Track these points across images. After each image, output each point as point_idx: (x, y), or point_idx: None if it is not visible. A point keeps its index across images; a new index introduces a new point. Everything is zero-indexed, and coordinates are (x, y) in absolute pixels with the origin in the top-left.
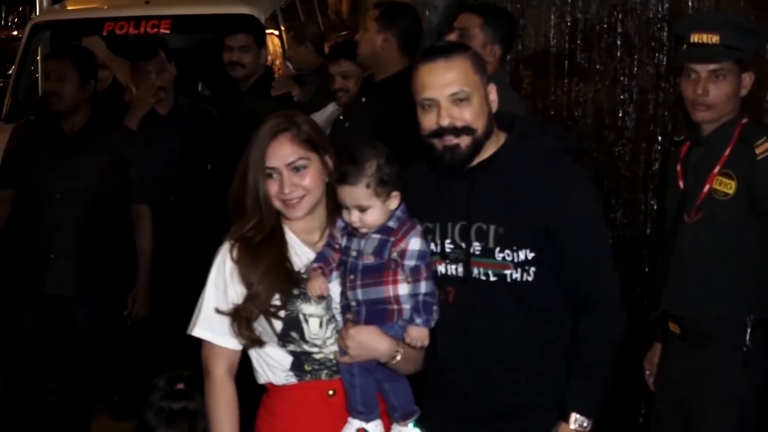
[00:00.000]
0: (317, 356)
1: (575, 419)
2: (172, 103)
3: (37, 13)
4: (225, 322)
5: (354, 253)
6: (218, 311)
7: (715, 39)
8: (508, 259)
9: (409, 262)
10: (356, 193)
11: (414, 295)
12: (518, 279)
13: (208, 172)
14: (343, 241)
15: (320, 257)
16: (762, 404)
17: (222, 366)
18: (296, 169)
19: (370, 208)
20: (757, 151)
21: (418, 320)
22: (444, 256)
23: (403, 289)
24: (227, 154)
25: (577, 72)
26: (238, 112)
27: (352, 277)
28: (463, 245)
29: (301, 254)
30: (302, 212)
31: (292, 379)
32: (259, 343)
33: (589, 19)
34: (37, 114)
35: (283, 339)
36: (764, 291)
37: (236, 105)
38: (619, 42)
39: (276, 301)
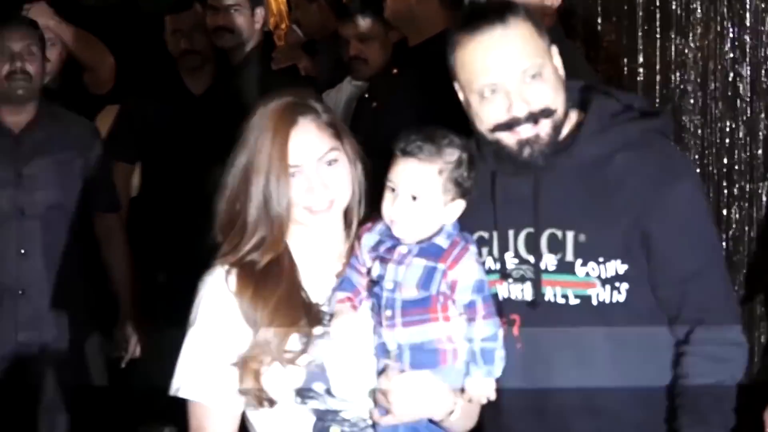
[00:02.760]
0: (347, 415)
1: None
2: (211, 81)
3: None
4: (224, 376)
5: (390, 285)
6: (215, 362)
7: None
8: (594, 274)
9: (462, 297)
10: (422, 174)
11: (470, 340)
12: (606, 300)
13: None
14: (374, 268)
15: (346, 284)
16: None
17: None
18: (326, 165)
19: (426, 203)
20: None
21: (476, 372)
22: (505, 275)
23: (458, 326)
24: (213, 148)
25: (673, 23)
26: (228, 93)
27: (389, 313)
28: (531, 259)
29: (316, 280)
30: (332, 220)
31: None
32: (270, 401)
33: None
34: None
35: (303, 394)
36: None
37: (226, 83)
38: None
39: (294, 344)
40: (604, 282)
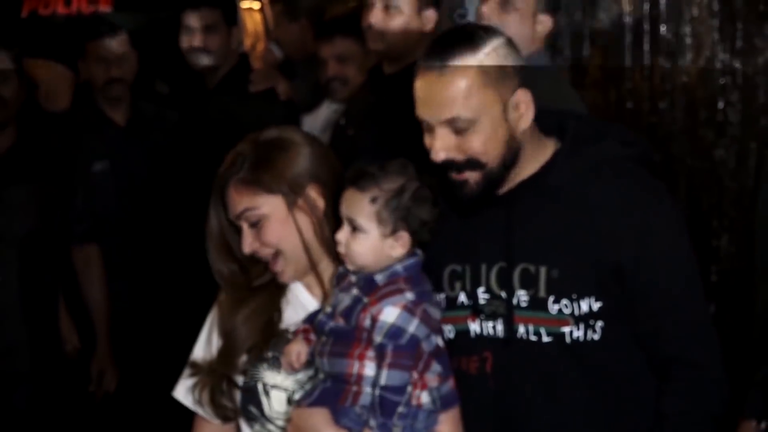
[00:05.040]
0: None
1: None
2: (131, 110)
3: None
4: None
5: (328, 309)
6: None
7: None
8: (567, 311)
9: (376, 337)
10: (357, 202)
11: (373, 386)
12: (580, 338)
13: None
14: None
15: (312, 316)
16: None
17: None
18: (252, 225)
19: (363, 232)
20: None
21: (372, 422)
22: (477, 310)
23: (370, 369)
24: (191, 174)
25: (661, 48)
26: (204, 117)
27: (323, 339)
28: (503, 295)
29: (301, 309)
30: (288, 276)
31: None
32: (225, 418)
33: None
34: None
35: (246, 414)
36: None
37: (202, 107)
38: (716, 7)
39: (241, 363)
40: (578, 319)
